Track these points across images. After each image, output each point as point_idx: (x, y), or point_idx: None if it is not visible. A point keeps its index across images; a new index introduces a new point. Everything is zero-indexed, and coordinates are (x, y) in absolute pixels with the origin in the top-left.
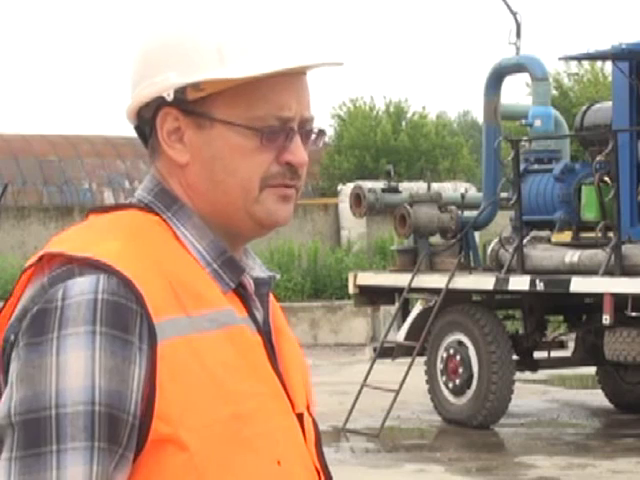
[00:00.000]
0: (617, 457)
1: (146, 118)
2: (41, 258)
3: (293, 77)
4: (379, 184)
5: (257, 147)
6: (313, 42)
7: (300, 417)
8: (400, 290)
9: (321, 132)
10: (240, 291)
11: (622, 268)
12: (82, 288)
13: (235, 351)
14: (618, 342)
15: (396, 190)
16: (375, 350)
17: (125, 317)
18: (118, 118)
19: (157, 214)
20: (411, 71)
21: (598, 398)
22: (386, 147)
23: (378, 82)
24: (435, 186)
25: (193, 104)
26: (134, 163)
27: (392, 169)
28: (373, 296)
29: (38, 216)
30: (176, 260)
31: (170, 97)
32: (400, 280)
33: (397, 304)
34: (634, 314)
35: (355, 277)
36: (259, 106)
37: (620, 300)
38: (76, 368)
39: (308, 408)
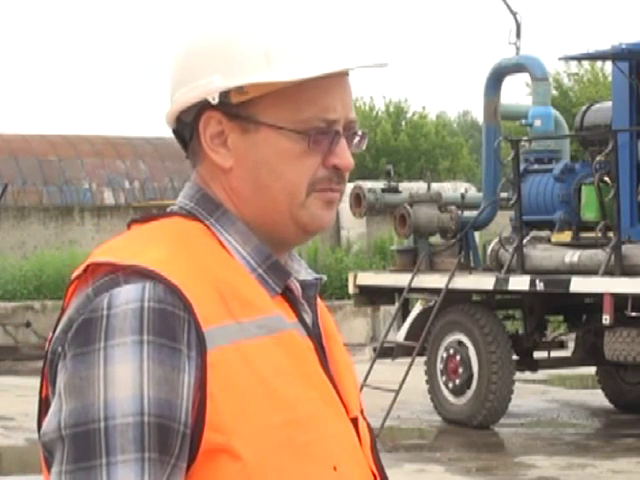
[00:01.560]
0: (617, 457)
1: (186, 122)
2: (86, 269)
3: (337, 79)
4: (379, 184)
5: (304, 151)
6: (357, 43)
7: (355, 421)
8: (400, 290)
9: (364, 134)
10: (288, 295)
11: (622, 268)
12: (128, 296)
13: (286, 356)
14: (618, 342)
15: (396, 190)
16: (375, 350)
17: (173, 325)
18: (118, 118)
19: (200, 221)
20: (411, 71)
21: (598, 398)
22: (386, 147)
23: (378, 82)
24: (435, 186)
25: (237, 107)
26: (134, 163)
27: (392, 169)
28: (373, 296)
29: (38, 216)
30: (222, 266)
31: (215, 101)
32: (400, 280)
33: (397, 304)
34: (634, 314)
35: (355, 277)
36: (305, 109)
37: (620, 300)
38: (124, 379)
39: (362, 412)
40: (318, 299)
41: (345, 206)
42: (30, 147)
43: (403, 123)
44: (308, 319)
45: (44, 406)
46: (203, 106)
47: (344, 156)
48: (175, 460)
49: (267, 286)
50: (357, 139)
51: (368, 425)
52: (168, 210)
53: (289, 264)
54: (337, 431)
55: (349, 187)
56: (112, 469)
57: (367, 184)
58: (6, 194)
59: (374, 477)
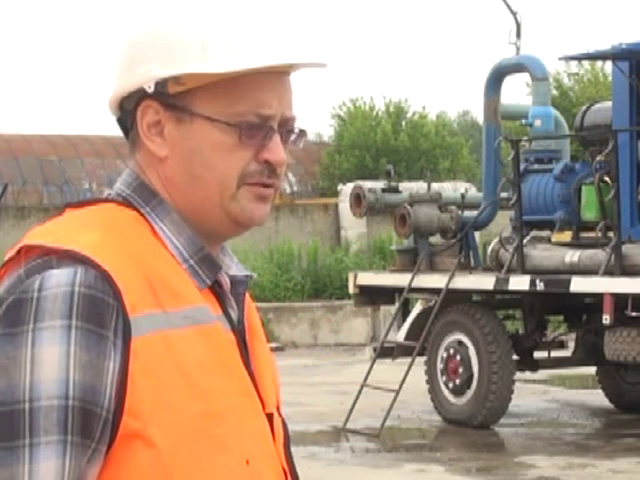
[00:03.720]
0: (617, 457)
1: (128, 110)
2: (19, 251)
3: (275, 76)
4: (379, 184)
5: (236, 143)
6: (297, 42)
7: (270, 417)
8: (400, 290)
9: (302, 132)
10: (216, 289)
11: (622, 268)
12: (59, 280)
13: (208, 349)
14: (618, 342)
15: (396, 190)
16: (375, 350)
17: (101, 311)
18: None
19: (135, 208)
20: (411, 71)
21: (598, 398)
22: (386, 147)
23: (378, 82)
24: (435, 186)
25: (174, 98)
26: None
27: (392, 169)
28: (373, 296)
29: (38, 216)
30: (153, 255)
31: (151, 89)
32: (400, 280)
33: (397, 304)
34: (634, 314)
35: (355, 277)
36: (239, 102)
37: (620, 300)
38: (51, 362)
39: (278, 408)
40: (247, 296)
41: (345, 206)
42: (30, 147)
43: (403, 123)
44: (234, 314)
45: None
46: (142, 95)
47: (276, 152)
48: (96, 444)
49: (197, 278)
50: (294, 136)
51: (283, 422)
52: (104, 196)
53: (220, 258)
54: (252, 425)
55: (349, 187)
56: (34, 450)
57: (367, 184)
58: (6, 194)
59: (285, 474)
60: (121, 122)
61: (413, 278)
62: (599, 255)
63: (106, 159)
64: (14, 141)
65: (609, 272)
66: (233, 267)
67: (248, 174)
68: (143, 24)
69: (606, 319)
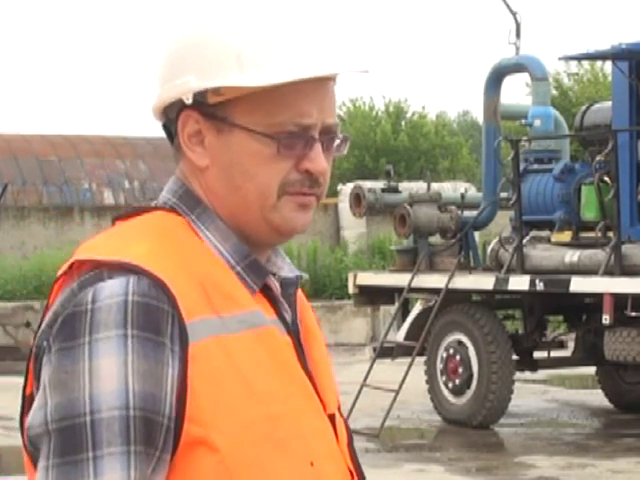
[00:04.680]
0: (617, 457)
1: (171, 118)
2: (71, 266)
3: (315, 84)
4: (379, 184)
5: (274, 154)
6: (335, 50)
7: (332, 418)
8: (400, 290)
9: (345, 138)
10: (267, 293)
11: (622, 268)
12: (112, 290)
13: (265, 352)
14: (618, 342)
15: (396, 190)
16: (375, 350)
17: (157, 319)
18: (118, 118)
19: (181, 216)
20: (411, 71)
21: (598, 398)
22: (386, 147)
23: (378, 82)
24: (435, 186)
25: (214, 108)
26: (134, 163)
27: (392, 169)
28: (373, 296)
29: (38, 216)
30: (205, 261)
31: (189, 100)
32: (400, 280)
33: (397, 304)
34: (634, 314)
35: (355, 277)
36: (278, 113)
37: (620, 300)
38: (109, 373)
39: (339, 409)
40: (300, 296)
41: (345, 206)
42: (30, 147)
43: (403, 123)
44: (287, 317)
45: (27, 403)
46: (183, 105)
47: (317, 161)
48: (160, 453)
49: (246, 284)
50: (337, 143)
51: (345, 422)
52: (152, 205)
53: (272, 260)
54: (315, 427)
55: (349, 187)
56: (99, 462)
57: (367, 184)
58: (6, 194)
59: (350, 474)
60: (166, 128)
61: (413, 278)
62: (599, 255)
63: (106, 159)
64: (14, 141)
65: (609, 272)
66: (285, 268)
67: (289, 184)
68: (179, 35)
69: (606, 319)
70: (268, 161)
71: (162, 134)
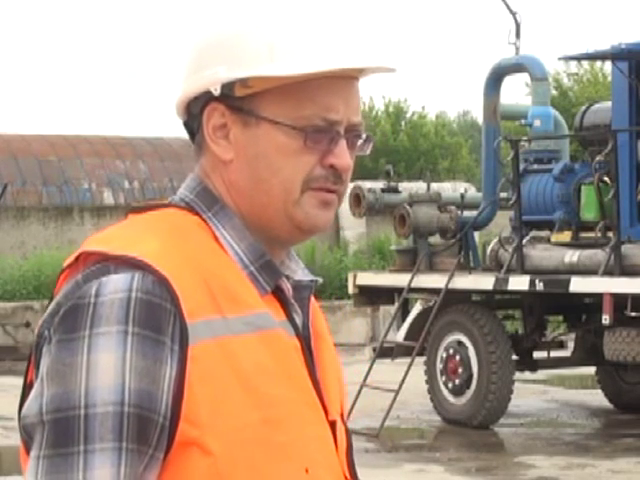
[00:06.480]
0: (617, 457)
1: (194, 113)
2: (78, 257)
3: (343, 80)
4: (378, 184)
5: (301, 148)
6: (365, 46)
7: (333, 425)
8: (400, 290)
9: (369, 137)
10: (279, 295)
11: (621, 268)
12: (116, 286)
13: (270, 355)
14: (618, 342)
15: (395, 190)
16: (375, 350)
17: (158, 317)
18: (117, 118)
19: (197, 213)
20: (411, 71)
21: (598, 398)
22: (385, 147)
23: (377, 82)
24: (434, 186)
25: (240, 101)
26: (133, 163)
27: (391, 169)
28: (373, 296)
29: (38, 216)
30: (214, 261)
31: (217, 91)
32: (400, 280)
33: (397, 304)
34: (633, 314)
35: (355, 277)
36: (306, 106)
37: (620, 300)
38: (107, 368)
39: (342, 415)
40: (313, 301)
41: (345, 206)
42: (30, 147)
43: (402, 123)
44: (298, 320)
45: (27, 391)
46: (209, 98)
47: (342, 156)
48: (153, 451)
49: (258, 284)
50: (361, 142)
51: (346, 429)
52: (168, 201)
53: (287, 263)
54: (313, 433)
55: (349, 187)
56: (90, 457)
57: (366, 184)
58: (6, 194)
59: None
60: (187, 126)
61: (413, 278)
62: (598, 255)
63: (105, 159)
64: (13, 141)
65: (608, 272)
66: (299, 272)
67: (313, 179)
68: (211, 28)
69: (605, 319)
70: (294, 155)
71: (162, 134)
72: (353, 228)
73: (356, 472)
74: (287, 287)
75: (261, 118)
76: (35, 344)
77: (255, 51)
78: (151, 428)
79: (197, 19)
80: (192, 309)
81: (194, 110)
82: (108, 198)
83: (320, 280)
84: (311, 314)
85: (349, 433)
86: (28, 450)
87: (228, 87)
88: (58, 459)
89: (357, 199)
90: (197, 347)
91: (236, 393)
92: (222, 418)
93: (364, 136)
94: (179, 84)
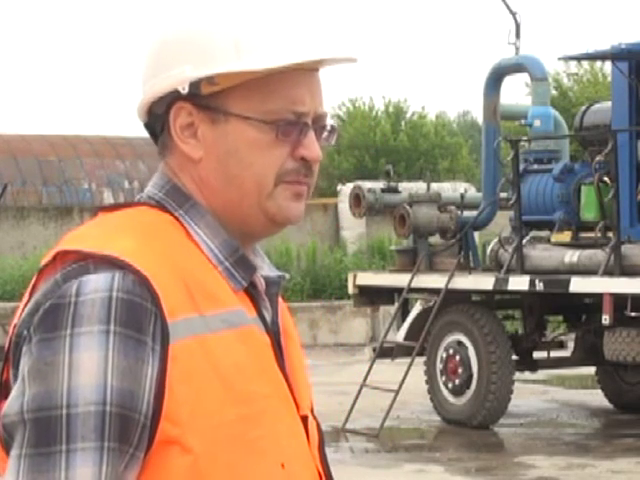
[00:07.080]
0: (617, 457)
1: (157, 114)
2: (55, 257)
3: (306, 72)
4: (378, 184)
5: (272, 141)
6: (327, 38)
7: (304, 419)
8: (400, 290)
9: (333, 129)
10: (250, 290)
11: (621, 268)
12: (97, 285)
13: (246, 352)
14: (617, 342)
15: (395, 190)
16: (375, 350)
17: (139, 317)
18: (117, 118)
19: (169, 212)
20: (410, 71)
21: (598, 398)
22: (385, 147)
23: (377, 82)
24: (434, 186)
25: (207, 98)
26: (133, 163)
27: (391, 169)
28: (373, 296)
29: (37, 216)
30: (189, 259)
31: (185, 90)
32: (400, 280)
33: (397, 304)
34: (633, 314)
35: (355, 277)
36: (274, 100)
37: (619, 300)
38: (89, 367)
39: (312, 411)
40: (280, 297)
41: (345, 206)
42: (30, 147)
43: (402, 123)
44: (268, 316)
45: (3, 390)
46: (174, 97)
47: (312, 148)
48: (134, 450)
49: (233, 280)
50: (326, 133)
51: (317, 424)
52: (136, 199)
53: (252, 259)
54: (288, 429)
55: (349, 187)
56: (71, 456)
57: (366, 184)
58: (6, 194)
59: (320, 476)
60: (149, 127)
61: (412, 278)
62: (598, 255)
63: (105, 159)
64: (13, 141)
65: (608, 272)
66: (265, 268)
67: (285, 172)
68: (173, 26)
69: (605, 319)
70: (266, 149)
71: None
72: (353, 228)
73: (329, 466)
74: (260, 282)
75: (230, 114)
76: (13, 344)
77: (221, 48)
78: (132, 427)
79: (158, 16)
80: (172, 308)
81: (158, 110)
82: (108, 198)
83: (287, 276)
84: (279, 310)
85: (320, 428)
86: (7, 450)
87: (194, 85)
88: (40, 458)
89: (357, 199)
90: (177, 346)
91: (215, 391)
92: (202, 416)
93: (329, 127)
94: (142, 85)
